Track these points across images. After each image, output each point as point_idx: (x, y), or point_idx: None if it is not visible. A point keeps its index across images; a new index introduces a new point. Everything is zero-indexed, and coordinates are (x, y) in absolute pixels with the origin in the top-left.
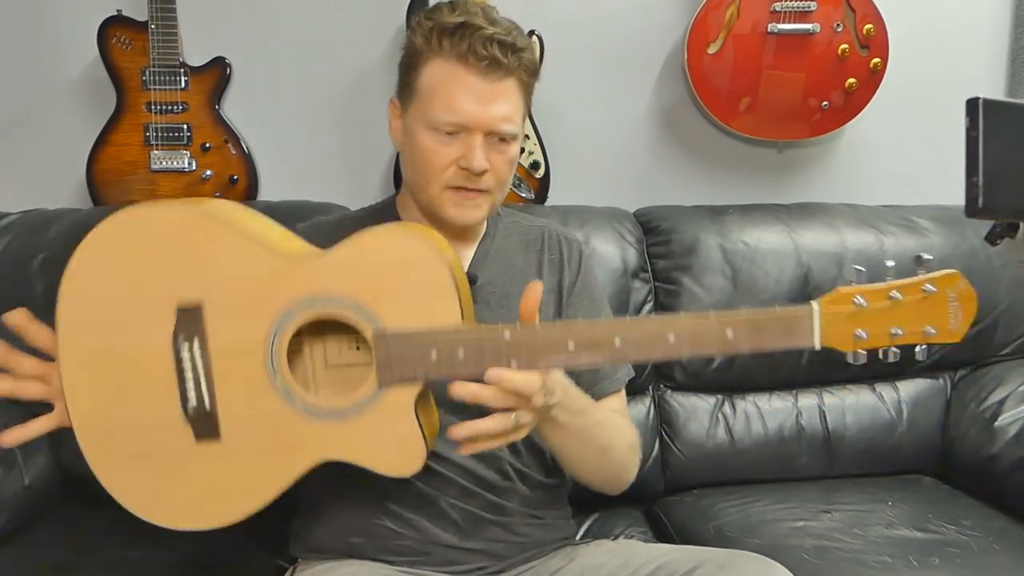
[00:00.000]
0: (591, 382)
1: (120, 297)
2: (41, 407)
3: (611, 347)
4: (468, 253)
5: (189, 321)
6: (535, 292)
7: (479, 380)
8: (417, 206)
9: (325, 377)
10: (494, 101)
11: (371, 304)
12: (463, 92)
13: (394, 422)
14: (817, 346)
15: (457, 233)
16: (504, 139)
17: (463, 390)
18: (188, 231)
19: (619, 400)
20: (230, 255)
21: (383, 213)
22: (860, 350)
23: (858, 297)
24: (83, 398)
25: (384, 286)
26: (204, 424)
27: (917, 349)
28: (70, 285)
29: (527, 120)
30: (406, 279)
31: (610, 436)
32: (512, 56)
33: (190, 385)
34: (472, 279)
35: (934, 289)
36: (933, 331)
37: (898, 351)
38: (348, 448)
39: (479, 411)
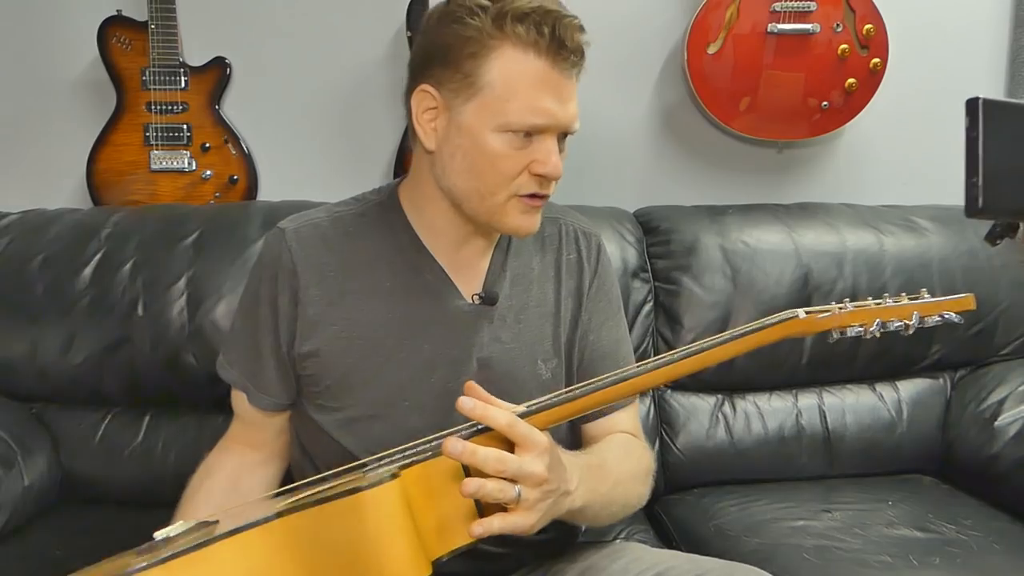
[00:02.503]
0: None
1: None
2: (40, 404)
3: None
4: (483, 265)
5: None
6: (475, 393)
7: None
8: (463, 212)
9: None
10: (570, 99)
11: None
12: (546, 90)
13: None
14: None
15: (477, 234)
16: (565, 136)
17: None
18: None
19: (631, 414)
20: None
21: (386, 210)
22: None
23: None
24: None
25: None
26: None
27: (944, 317)
28: None
29: None
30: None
31: (627, 487)
32: (586, 45)
33: None
34: (492, 299)
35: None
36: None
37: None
38: None
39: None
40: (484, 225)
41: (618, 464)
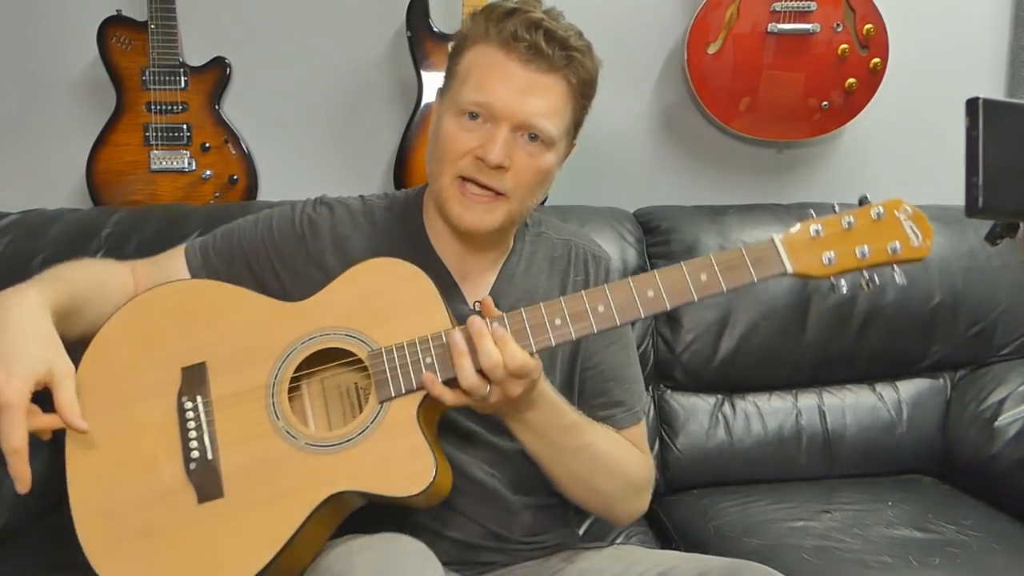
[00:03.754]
0: (605, 414)
1: (128, 375)
2: (40, 404)
3: (596, 314)
4: (490, 276)
5: (193, 379)
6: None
7: (488, 421)
8: (433, 203)
9: (347, 424)
10: (531, 93)
11: (364, 330)
12: (498, 76)
13: (398, 437)
14: (790, 269)
15: (479, 245)
16: (536, 139)
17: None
18: (188, 297)
19: (635, 433)
20: (229, 310)
21: (408, 209)
22: (833, 277)
23: (813, 226)
24: (83, 483)
25: (373, 311)
26: (207, 481)
27: (895, 272)
28: (84, 370)
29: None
30: (393, 301)
31: (603, 463)
32: (560, 52)
33: (193, 440)
34: None
35: (883, 211)
36: (899, 246)
37: (875, 279)
38: (356, 475)
39: (488, 419)
40: (440, 213)
41: (606, 444)
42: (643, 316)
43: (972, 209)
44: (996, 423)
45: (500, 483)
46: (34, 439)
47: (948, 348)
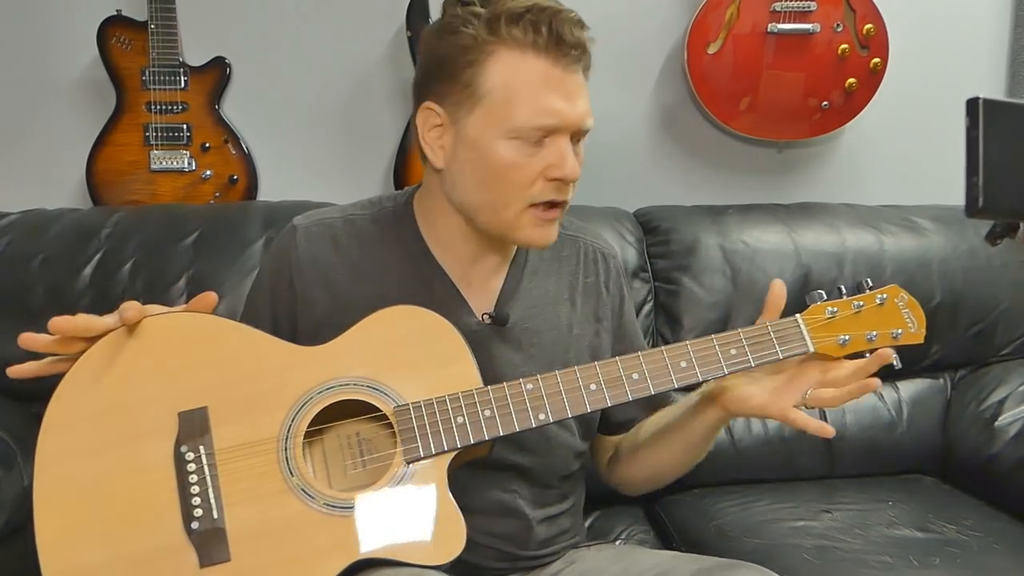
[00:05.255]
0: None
1: (112, 415)
2: (40, 404)
3: (631, 382)
4: (496, 282)
5: (193, 426)
6: None
7: (506, 439)
8: (477, 227)
9: (349, 480)
10: (579, 96)
11: (387, 382)
12: (551, 89)
13: (426, 500)
14: (811, 348)
15: (486, 250)
16: (581, 139)
17: None
18: (185, 332)
19: None
20: (233, 349)
21: (400, 219)
22: (845, 358)
23: (829, 308)
24: (57, 538)
25: (396, 362)
26: (211, 543)
27: (892, 358)
28: (54, 409)
29: None
30: (418, 352)
31: None
32: (588, 40)
33: (195, 497)
34: (502, 320)
35: (885, 297)
36: (900, 333)
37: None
38: (379, 540)
39: (508, 438)
40: (498, 239)
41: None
42: (676, 387)
43: (972, 209)
44: (996, 423)
45: (521, 499)
46: (31, 436)
47: (948, 348)
